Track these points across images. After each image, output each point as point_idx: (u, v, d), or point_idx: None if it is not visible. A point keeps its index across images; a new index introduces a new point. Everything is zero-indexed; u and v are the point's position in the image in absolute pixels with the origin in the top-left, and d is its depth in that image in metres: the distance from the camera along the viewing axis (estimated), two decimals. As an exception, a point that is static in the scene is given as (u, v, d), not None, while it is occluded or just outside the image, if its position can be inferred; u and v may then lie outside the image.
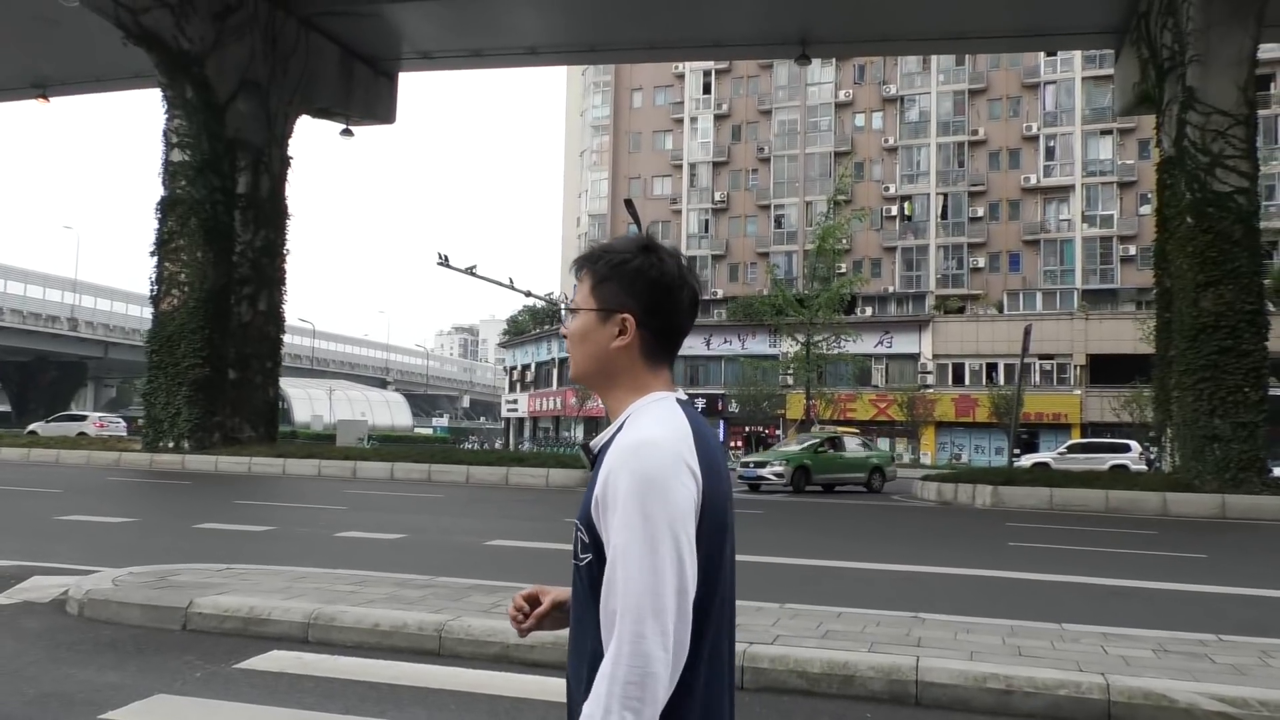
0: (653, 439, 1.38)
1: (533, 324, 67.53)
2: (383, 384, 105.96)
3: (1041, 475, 20.46)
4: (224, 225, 25.48)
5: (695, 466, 1.38)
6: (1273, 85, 48.47)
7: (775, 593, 7.50)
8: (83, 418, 41.03)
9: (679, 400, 1.50)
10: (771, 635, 5.86)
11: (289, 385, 56.09)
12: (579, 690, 1.41)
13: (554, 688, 5.28)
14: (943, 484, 20.73)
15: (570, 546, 1.51)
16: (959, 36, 27.98)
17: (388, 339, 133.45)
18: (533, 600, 1.68)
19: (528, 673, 5.56)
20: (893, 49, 35.93)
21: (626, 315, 1.49)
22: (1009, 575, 9.81)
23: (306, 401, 61.44)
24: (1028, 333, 24.90)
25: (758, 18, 26.61)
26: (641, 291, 1.49)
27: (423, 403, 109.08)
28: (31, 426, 40.84)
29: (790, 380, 50.22)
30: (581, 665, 1.43)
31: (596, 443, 1.49)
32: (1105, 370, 47.90)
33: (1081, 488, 18.83)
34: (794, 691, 5.28)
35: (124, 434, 38.32)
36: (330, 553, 9.92)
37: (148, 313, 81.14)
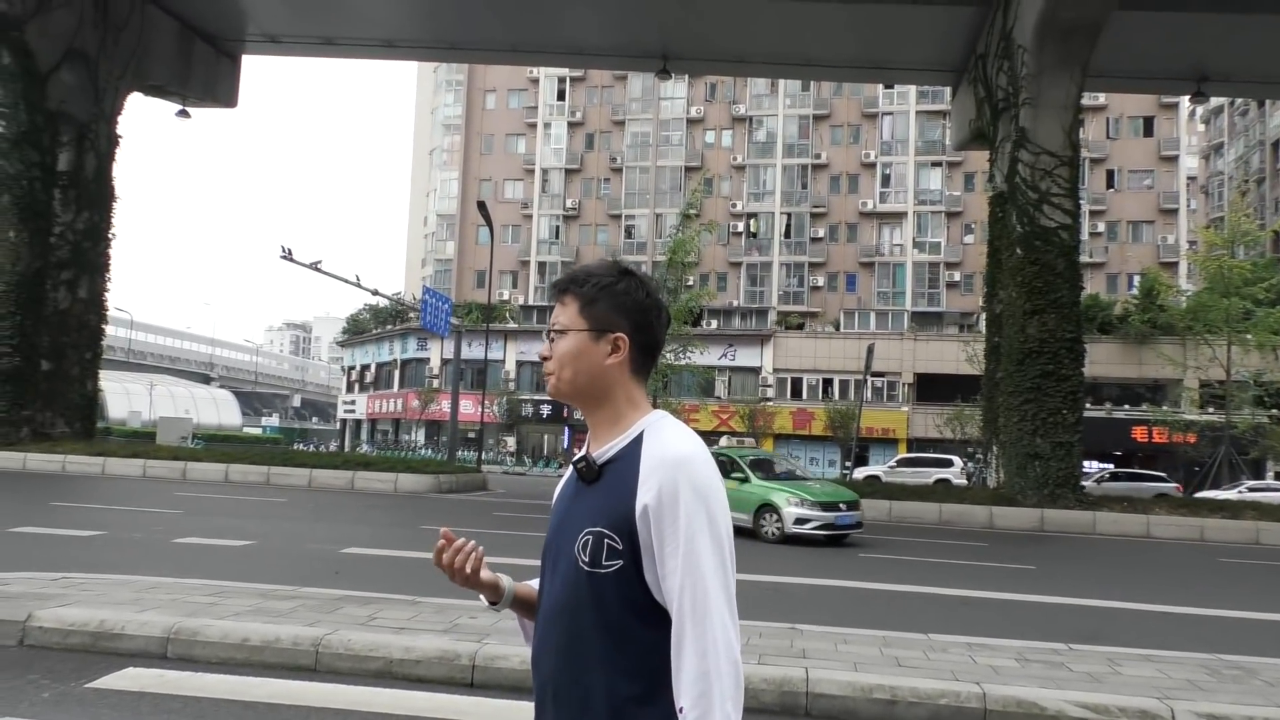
0: (695, 453, 1.49)
1: (374, 323, 65.42)
2: (206, 380, 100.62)
3: (881, 488, 21.46)
4: (41, 204, 23.47)
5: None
6: (1082, 130, 52.79)
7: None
8: None
9: None
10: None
11: (103, 378, 52.30)
12: (577, 693, 1.49)
13: (444, 704, 5.11)
14: (789, 495, 21.36)
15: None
16: (809, 63, 29.01)
17: (213, 333, 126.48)
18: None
19: (414, 688, 5.37)
20: (748, 70, 36.93)
21: (620, 334, 1.59)
22: (866, 586, 10.21)
23: (123, 396, 57.36)
24: (871, 351, 26.10)
25: (618, 30, 26.83)
26: (630, 312, 1.60)
27: (251, 401, 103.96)
28: None
29: (636, 389, 50.77)
30: (588, 670, 1.49)
31: (603, 455, 1.56)
32: (930, 389, 50.71)
33: (917, 500, 19.86)
34: (687, 703, 5.27)
35: None
36: (173, 561, 9.30)
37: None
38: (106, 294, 25.52)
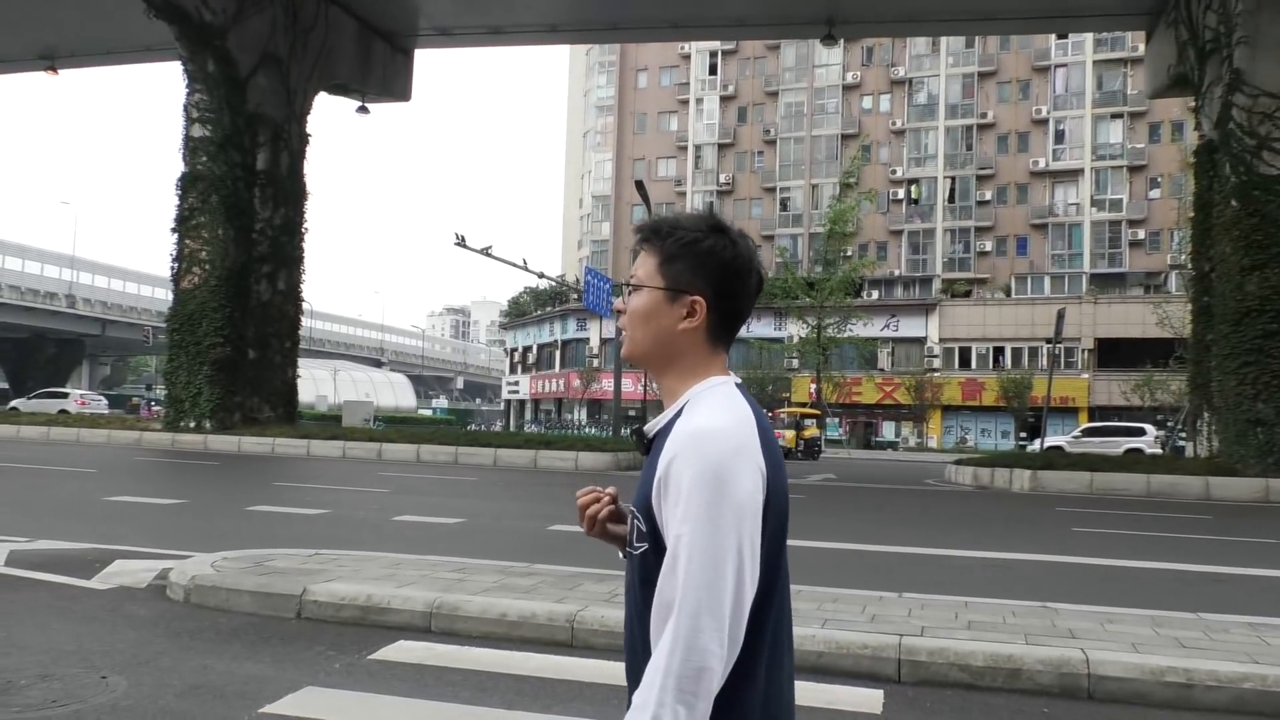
0: (716, 427, 1.35)
1: (534, 305, 67.15)
2: (377, 364, 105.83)
3: (1080, 459, 20.34)
4: (244, 202, 25.12)
5: (759, 457, 1.36)
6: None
7: (868, 581, 7.37)
8: (65, 395, 41.16)
9: (738, 385, 1.47)
10: (916, 627, 5.68)
11: (293, 365, 55.70)
12: (633, 674, 1.43)
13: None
14: (979, 468, 20.62)
15: None
16: (985, 17, 27.66)
17: (382, 319, 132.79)
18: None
19: (672, 665, 5.36)
20: (918, 30, 35.51)
21: (697, 297, 1.45)
22: (1096, 562, 9.67)
23: (310, 382, 60.86)
24: (1061, 315, 24.78)
25: (781, -3, 26.28)
26: (712, 273, 1.46)
27: (417, 384, 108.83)
28: (13, 403, 40.71)
29: (796, 363, 50.14)
30: (635, 656, 1.43)
31: (651, 427, 1.48)
32: (1113, 354, 47.99)
33: (1122, 472, 18.73)
34: (956, 685, 5.10)
35: (105, 411, 38.50)
36: (400, 538, 9.73)
37: (145, 290, 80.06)
38: (302, 286, 27.13)
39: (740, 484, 1.32)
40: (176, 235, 24.91)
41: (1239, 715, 4.72)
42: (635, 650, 1.44)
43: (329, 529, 10.33)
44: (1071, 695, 4.98)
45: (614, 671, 5.17)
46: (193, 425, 24.15)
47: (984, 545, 10.64)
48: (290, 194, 26.54)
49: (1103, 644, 5.40)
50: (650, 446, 1.45)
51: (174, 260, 25.01)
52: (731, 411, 1.38)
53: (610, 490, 1.64)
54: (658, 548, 1.37)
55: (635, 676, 1.41)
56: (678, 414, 1.43)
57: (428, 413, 71.77)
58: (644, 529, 1.39)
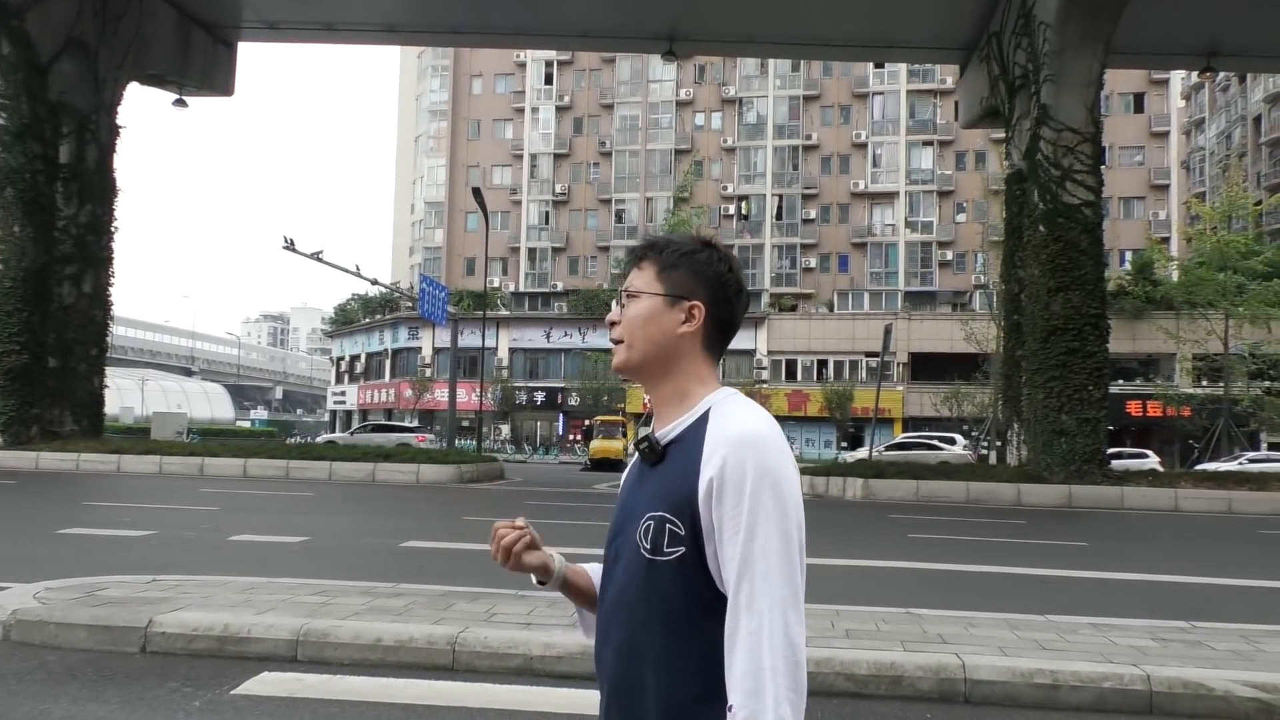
0: (766, 433, 1.39)
1: (363, 313, 64.86)
2: (188, 373, 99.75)
3: (907, 468, 21.44)
4: (45, 197, 22.99)
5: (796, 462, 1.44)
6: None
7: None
8: None
9: None
10: (799, 636, 5.75)
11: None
12: (638, 691, 1.41)
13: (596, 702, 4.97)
14: (815, 476, 21.36)
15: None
16: (815, 42, 28.81)
17: (193, 326, 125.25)
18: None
19: (561, 686, 5.24)
20: (755, 51, 36.66)
21: (696, 303, 1.51)
22: (938, 567, 10.16)
23: (115, 392, 56.42)
24: (888, 331, 26.15)
25: (623, 11, 26.50)
26: (709, 281, 1.52)
27: (232, 394, 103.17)
28: None
29: (630, 374, 50.63)
30: (649, 666, 1.41)
31: (665, 435, 1.49)
32: (925, 368, 50.92)
33: (944, 480, 19.88)
34: (842, 694, 5.20)
35: None
36: (242, 560, 9.12)
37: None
38: (110, 289, 25.04)
39: (795, 486, 1.38)
40: (-37, 232, 22.50)
41: (1100, 713, 5.01)
42: (643, 661, 1.41)
43: (159, 552, 9.55)
44: (949, 700, 5.16)
45: (502, 695, 4.98)
46: (-19, 440, 21.88)
47: (835, 553, 10.97)
48: (98, 189, 24.45)
49: (973, 648, 5.63)
50: (664, 454, 1.46)
51: (-40, 260, 22.57)
52: (765, 416, 1.42)
53: (520, 522, 1.61)
54: (698, 551, 1.38)
55: (639, 691, 1.41)
56: (698, 420, 1.45)
57: (247, 424, 68.06)
58: (680, 533, 1.39)
